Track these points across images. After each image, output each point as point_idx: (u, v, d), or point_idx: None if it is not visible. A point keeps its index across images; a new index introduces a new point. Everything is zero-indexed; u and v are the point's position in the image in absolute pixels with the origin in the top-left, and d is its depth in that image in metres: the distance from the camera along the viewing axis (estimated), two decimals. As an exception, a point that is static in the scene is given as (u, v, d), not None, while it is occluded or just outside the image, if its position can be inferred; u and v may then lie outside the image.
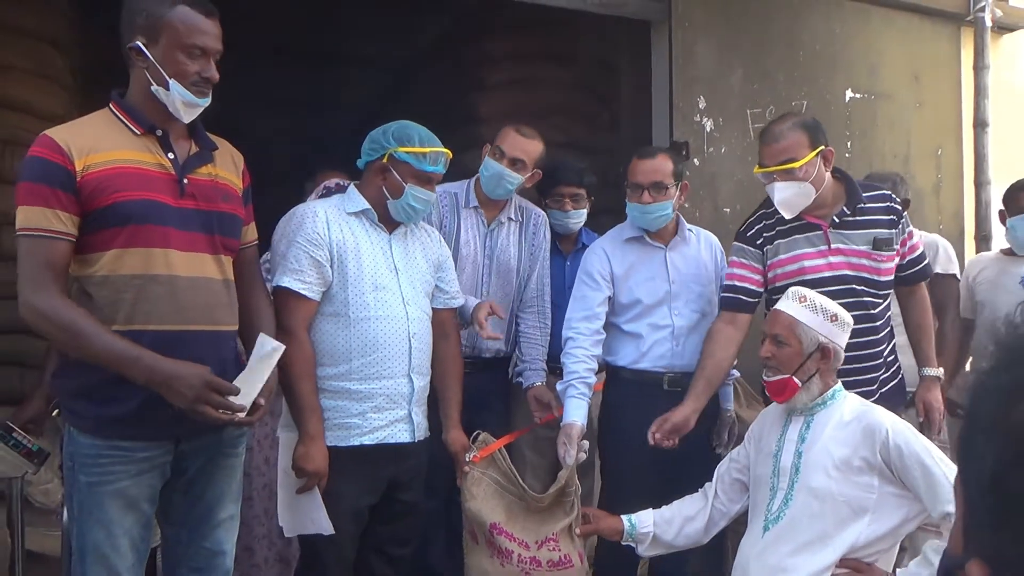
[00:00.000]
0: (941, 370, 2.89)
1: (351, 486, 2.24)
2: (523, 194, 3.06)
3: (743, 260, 2.67)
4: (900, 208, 2.67)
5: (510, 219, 2.96)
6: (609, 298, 2.75)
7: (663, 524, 2.29)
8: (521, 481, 2.37)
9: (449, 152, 2.40)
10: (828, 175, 2.60)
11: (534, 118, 4.61)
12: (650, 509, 2.33)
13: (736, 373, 2.96)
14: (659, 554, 2.33)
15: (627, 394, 2.75)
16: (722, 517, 2.30)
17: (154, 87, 1.81)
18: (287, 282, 2.19)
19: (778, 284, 2.64)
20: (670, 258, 2.76)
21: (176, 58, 1.80)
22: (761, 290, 2.68)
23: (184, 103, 1.83)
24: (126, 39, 1.82)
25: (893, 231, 2.62)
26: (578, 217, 3.10)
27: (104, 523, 1.78)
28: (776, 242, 2.64)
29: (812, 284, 2.51)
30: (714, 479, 2.33)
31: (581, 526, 2.32)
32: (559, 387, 2.67)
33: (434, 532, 2.86)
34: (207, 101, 1.87)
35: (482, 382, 2.87)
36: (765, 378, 2.17)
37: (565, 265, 3.13)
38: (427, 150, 2.30)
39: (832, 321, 2.14)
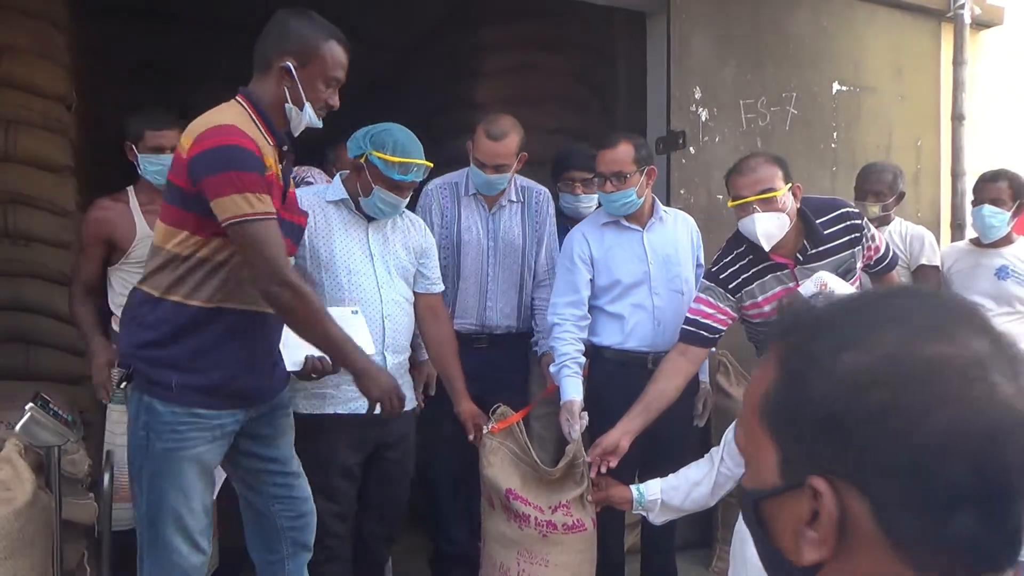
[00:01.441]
0: None
1: (336, 444, 2.42)
2: (535, 177, 3.18)
3: (710, 299, 2.67)
4: (860, 222, 2.66)
5: (511, 201, 3.08)
6: (591, 281, 2.86)
7: (670, 491, 2.40)
8: (534, 455, 2.49)
9: (428, 163, 2.50)
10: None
11: (528, 105, 4.72)
12: (657, 478, 2.45)
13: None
14: (669, 519, 2.45)
15: (612, 374, 2.86)
16: (728, 481, 2.40)
17: (288, 104, 1.98)
18: None
19: (755, 321, 2.71)
20: (647, 239, 2.87)
21: (317, 85, 1.99)
22: (723, 328, 2.69)
23: (308, 123, 2.03)
24: (274, 58, 1.97)
25: (855, 249, 2.64)
26: (589, 201, 3.22)
27: (182, 488, 1.90)
28: (750, 287, 2.66)
29: None
30: (721, 444, 2.44)
31: (593, 495, 2.44)
32: (552, 369, 2.79)
33: (447, 502, 3.01)
34: (320, 124, 2.07)
35: (496, 358, 3.00)
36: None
37: None
38: (397, 160, 2.40)
39: None
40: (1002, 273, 3.43)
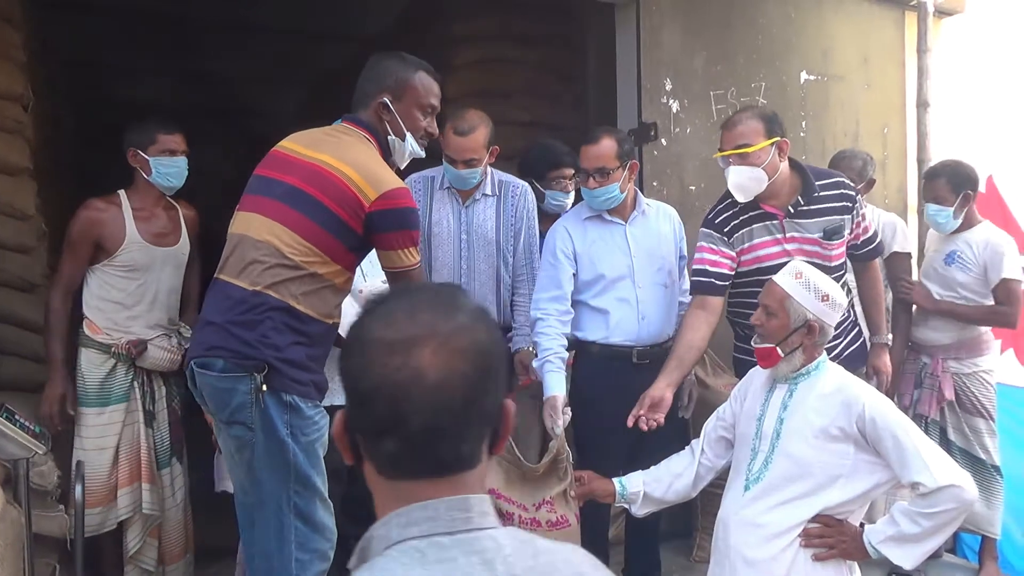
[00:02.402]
0: (890, 336, 3.14)
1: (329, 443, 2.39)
2: (506, 170, 3.16)
3: (712, 245, 2.78)
4: (854, 194, 2.80)
5: (486, 195, 3.06)
6: (574, 275, 2.86)
7: (652, 482, 2.41)
8: (516, 451, 2.47)
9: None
10: (784, 166, 2.71)
11: (500, 98, 4.70)
12: (639, 471, 2.45)
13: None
14: (651, 511, 2.45)
15: (597, 368, 2.86)
16: (708, 472, 2.43)
17: (391, 137, 2.15)
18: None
19: (740, 270, 2.79)
20: (630, 233, 2.88)
21: (414, 115, 2.15)
22: (731, 273, 2.78)
23: (410, 154, 2.18)
24: (371, 95, 2.14)
25: (846, 217, 2.76)
26: (568, 199, 3.25)
27: (321, 471, 2.05)
28: (740, 231, 2.77)
29: (769, 271, 2.63)
30: (701, 436, 2.45)
31: (576, 489, 2.43)
32: (535, 364, 2.78)
33: None
34: (423, 154, 2.23)
35: None
36: (753, 343, 2.29)
37: None
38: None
39: (823, 300, 2.21)
40: (949, 259, 3.48)
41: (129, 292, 2.92)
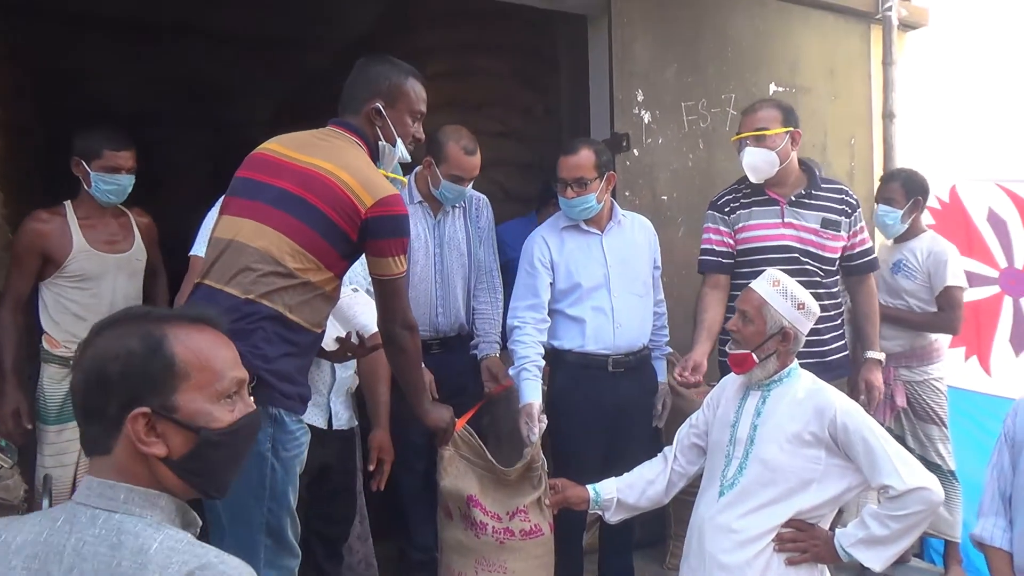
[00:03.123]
0: (883, 355, 3.15)
1: None
2: (478, 180, 3.19)
3: (716, 226, 3.00)
4: (855, 204, 2.98)
5: (454, 207, 3.09)
6: (551, 284, 2.88)
7: (626, 489, 2.42)
8: (489, 455, 2.48)
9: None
10: (795, 157, 2.93)
11: (470, 109, 4.71)
12: (612, 477, 2.47)
13: (669, 349, 3.16)
14: (624, 518, 2.47)
15: (573, 376, 2.89)
16: (681, 478, 2.45)
17: (382, 142, 2.13)
18: (197, 250, 2.50)
19: (738, 248, 2.97)
20: (606, 243, 2.91)
21: (405, 120, 2.15)
22: (734, 252, 2.98)
23: (400, 159, 2.18)
24: (363, 100, 2.11)
25: (842, 218, 2.94)
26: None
27: (295, 487, 2.01)
28: (739, 212, 2.96)
29: (762, 251, 2.87)
30: (674, 443, 2.47)
31: (550, 497, 2.44)
32: (511, 372, 2.80)
33: (416, 509, 2.98)
34: (410, 159, 2.23)
35: (451, 361, 2.99)
36: (728, 348, 2.32)
37: None
38: None
39: (799, 309, 2.25)
40: (895, 267, 3.57)
41: (83, 303, 2.86)
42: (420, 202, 3.03)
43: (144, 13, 4.97)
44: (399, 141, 2.13)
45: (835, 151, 4.40)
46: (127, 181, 2.91)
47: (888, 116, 4.57)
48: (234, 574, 1.05)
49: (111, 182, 2.87)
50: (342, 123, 2.12)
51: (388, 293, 2.08)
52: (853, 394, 2.98)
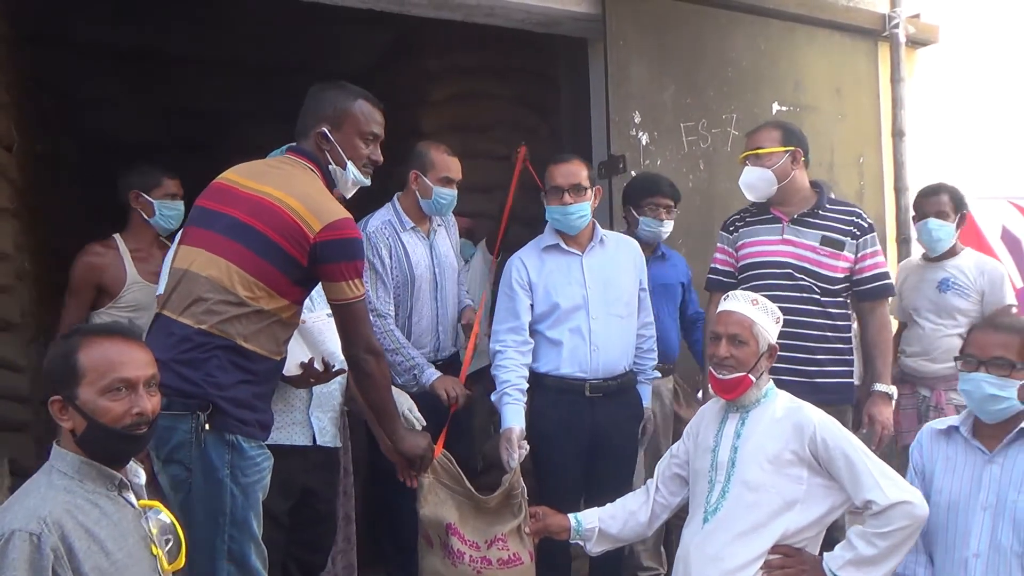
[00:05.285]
0: (893, 389, 2.95)
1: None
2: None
3: (722, 245, 3.07)
4: (866, 226, 2.89)
5: (439, 225, 3.16)
6: (532, 306, 2.86)
7: (608, 519, 2.39)
8: (468, 484, 2.46)
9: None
10: (797, 175, 2.90)
11: (476, 132, 4.75)
12: (595, 508, 2.43)
13: (656, 374, 3.12)
14: (606, 550, 2.43)
15: (551, 401, 2.84)
16: (664, 510, 2.41)
17: (332, 166, 2.14)
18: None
19: (738, 264, 2.97)
20: (586, 264, 2.88)
21: (354, 143, 2.14)
22: (736, 270, 2.99)
23: (354, 183, 2.17)
24: (311, 126, 2.13)
25: (847, 239, 2.85)
26: (669, 227, 3.36)
27: (258, 513, 2.02)
28: (742, 230, 2.98)
29: (759, 266, 2.87)
30: (655, 475, 2.44)
31: (530, 525, 2.41)
32: (493, 397, 2.78)
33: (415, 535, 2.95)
34: (368, 182, 2.21)
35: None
36: (718, 376, 2.25)
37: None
38: None
39: (777, 323, 2.29)
40: (943, 286, 3.46)
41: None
42: (412, 228, 3.05)
43: (150, 42, 5.09)
44: (349, 164, 2.13)
45: (843, 171, 4.34)
46: (182, 206, 3.07)
47: (898, 134, 4.51)
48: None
49: (172, 208, 3.05)
50: (297, 149, 2.14)
51: (347, 317, 2.07)
52: (855, 428, 2.87)
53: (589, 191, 2.87)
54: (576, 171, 2.86)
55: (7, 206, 3.85)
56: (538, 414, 2.85)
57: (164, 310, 2.00)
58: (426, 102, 4.74)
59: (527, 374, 2.80)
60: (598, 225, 2.98)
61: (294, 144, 2.17)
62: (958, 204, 3.46)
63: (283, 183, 2.03)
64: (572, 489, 2.65)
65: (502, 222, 3.35)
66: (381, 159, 2.21)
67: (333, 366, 2.38)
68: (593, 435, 2.81)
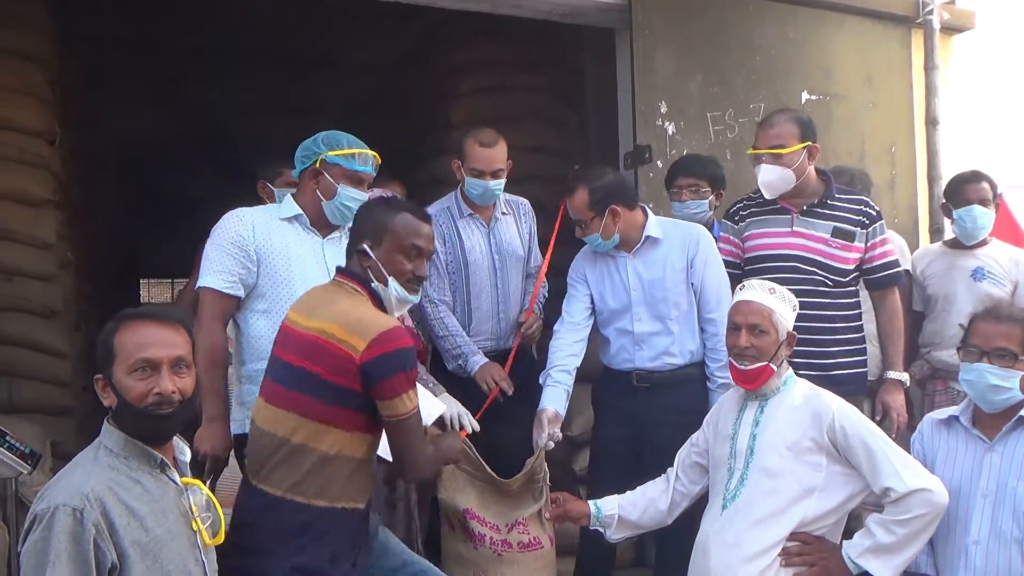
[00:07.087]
0: (906, 376, 2.96)
1: None
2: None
3: (726, 235, 3.03)
4: (875, 215, 2.87)
5: (504, 214, 3.17)
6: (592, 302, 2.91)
7: (628, 506, 2.42)
8: (488, 468, 2.50)
9: (377, 155, 2.57)
10: (811, 169, 2.87)
11: (505, 124, 4.74)
12: (615, 495, 2.46)
13: (723, 379, 3.06)
14: (625, 537, 2.45)
15: (603, 384, 2.96)
16: (683, 498, 2.43)
17: (374, 284, 2.05)
18: (206, 281, 2.43)
19: (745, 256, 2.95)
20: (632, 266, 2.86)
21: (395, 258, 2.06)
22: (741, 261, 2.98)
23: (398, 299, 2.07)
24: (355, 243, 2.09)
25: (857, 229, 2.84)
26: (697, 208, 3.20)
27: None
28: (749, 220, 2.95)
29: (768, 259, 2.84)
30: (675, 463, 2.46)
31: (550, 511, 2.45)
32: (541, 379, 2.82)
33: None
34: (417, 298, 2.13)
35: (514, 371, 3.00)
36: (740, 366, 2.24)
37: None
38: (356, 151, 2.50)
39: (793, 310, 2.29)
40: (978, 274, 3.43)
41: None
42: (470, 215, 3.10)
43: (179, 37, 5.18)
44: (391, 280, 2.05)
45: (874, 159, 4.28)
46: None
47: (931, 123, 4.43)
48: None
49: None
50: (343, 270, 2.11)
51: (398, 433, 1.98)
52: (872, 416, 2.86)
53: (596, 220, 2.76)
54: (576, 206, 2.78)
55: (50, 198, 3.98)
56: (594, 397, 2.98)
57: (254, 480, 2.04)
58: (455, 95, 4.77)
59: (576, 360, 2.83)
60: (650, 223, 2.87)
61: (340, 266, 2.14)
62: (995, 192, 3.42)
63: (327, 312, 1.98)
64: (619, 474, 2.65)
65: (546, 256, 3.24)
66: (426, 275, 2.15)
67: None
68: (637, 423, 2.80)
